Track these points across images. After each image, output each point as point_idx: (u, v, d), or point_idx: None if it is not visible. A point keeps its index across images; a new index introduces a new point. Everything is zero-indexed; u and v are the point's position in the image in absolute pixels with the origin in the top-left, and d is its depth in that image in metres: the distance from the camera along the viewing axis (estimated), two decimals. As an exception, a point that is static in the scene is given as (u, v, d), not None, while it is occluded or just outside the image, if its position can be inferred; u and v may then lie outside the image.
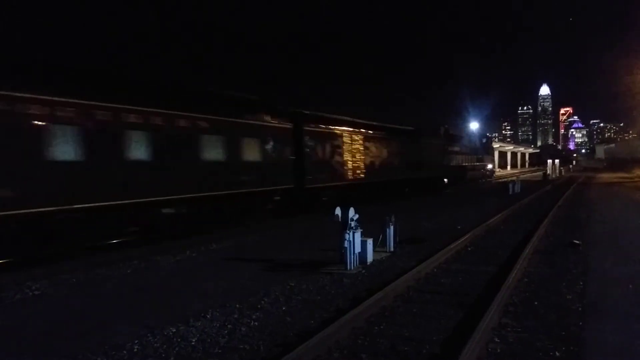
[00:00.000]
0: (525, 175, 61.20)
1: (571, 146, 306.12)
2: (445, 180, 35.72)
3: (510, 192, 28.91)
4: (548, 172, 56.15)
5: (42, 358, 5.55)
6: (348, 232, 9.41)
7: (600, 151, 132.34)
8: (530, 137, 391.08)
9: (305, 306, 7.23)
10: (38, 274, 9.68)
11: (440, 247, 11.12)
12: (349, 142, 22.53)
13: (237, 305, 7.28)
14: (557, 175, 60.59)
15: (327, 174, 20.79)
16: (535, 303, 7.10)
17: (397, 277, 8.40)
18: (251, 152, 16.47)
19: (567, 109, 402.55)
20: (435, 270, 9.35)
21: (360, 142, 23.57)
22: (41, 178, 10.34)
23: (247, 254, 11.43)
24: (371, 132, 24.97)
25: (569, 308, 6.86)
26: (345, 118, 23.60)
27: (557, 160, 67.91)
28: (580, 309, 6.82)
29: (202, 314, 6.88)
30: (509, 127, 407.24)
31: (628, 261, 9.71)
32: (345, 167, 22.16)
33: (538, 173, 66.21)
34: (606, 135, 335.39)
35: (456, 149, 39.72)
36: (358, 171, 23.15)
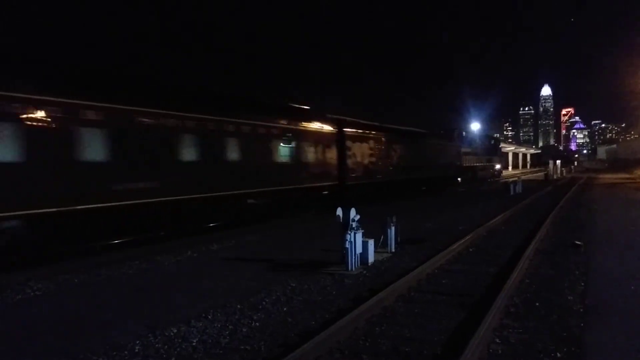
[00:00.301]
0: (526, 176, 61.14)
1: (573, 147, 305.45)
2: (459, 179, 38.28)
3: (512, 193, 28.90)
4: (550, 172, 56.06)
5: (43, 358, 5.55)
6: (349, 232, 9.41)
7: (601, 152, 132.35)
8: (532, 138, 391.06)
9: (306, 307, 7.23)
10: (39, 274, 9.69)
11: (442, 247, 11.12)
12: (377, 145, 25.18)
13: (238, 306, 7.28)
14: (559, 175, 60.53)
15: (362, 173, 23.57)
16: (537, 304, 7.09)
17: (398, 277, 8.40)
18: (309, 154, 19.53)
19: (569, 109, 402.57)
20: (436, 270, 9.34)
21: (387, 145, 26.21)
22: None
23: (247, 254, 11.43)
24: (395, 136, 27.85)
25: (570, 309, 6.86)
26: (374, 124, 26.62)
27: (558, 161, 67.92)
28: (581, 309, 6.82)
29: (203, 314, 6.88)
30: (510, 128, 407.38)
31: (630, 262, 9.70)
32: (375, 167, 24.79)
33: (540, 174, 66.11)
34: (608, 136, 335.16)
35: (468, 150, 42.61)
36: (385, 170, 25.82)
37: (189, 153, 13.91)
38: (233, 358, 5.40)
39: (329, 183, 20.67)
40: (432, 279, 8.78)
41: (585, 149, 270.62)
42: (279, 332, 6.15)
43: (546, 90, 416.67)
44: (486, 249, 11.59)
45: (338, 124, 21.97)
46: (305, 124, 19.56)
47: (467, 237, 12.32)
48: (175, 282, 8.99)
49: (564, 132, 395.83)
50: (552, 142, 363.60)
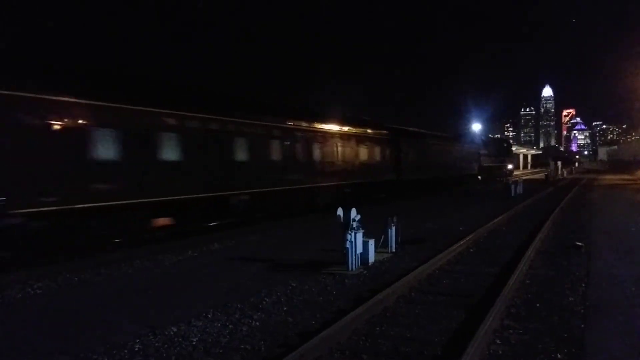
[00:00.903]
0: (527, 177, 61.17)
1: (574, 148, 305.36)
2: (479, 177, 45.17)
3: (513, 194, 28.83)
4: (550, 173, 56.04)
5: (44, 357, 5.55)
6: (350, 232, 9.40)
7: (602, 153, 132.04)
8: (533, 139, 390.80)
9: (306, 306, 7.22)
10: (40, 273, 9.70)
11: (442, 248, 11.11)
12: (420, 147, 31.90)
13: (239, 305, 7.28)
14: (560, 176, 60.50)
15: (412, 171, 30.02)
16: (538, 305, 7.09)
17: (398, 278, 8.39)
18: (376, 155, 25.90)
19: (570, 110, 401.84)
20: (437, 271, 9.34)
21: (429, 148, 33.54)
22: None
23: (248, 253, 11.43)
24: (435, 140, 35.42)
25: (571, 310, 6.84)
26: (420, 131, 34.72)
27: (559, 162, 67.97)
28: (582, 311, 6.80)
29: (204, 314, 6.88)
30: (511, 129, 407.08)
31: (631, 263, 9.69)
32: (420, 166, 31.30)
33: (540, 175, 66.12)
34: (609, 137, 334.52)
35: (486, 152, 50.23)
36: (426, 169, 32.30)
37: (319, 157, 20.58)
38: (233, 357, 5.40)
39: (390, 178, 27.26)
40: (433, 280, 8.77)
41: (586, 150, 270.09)
42: (279, 332, 6.15)
43: (547, 91, 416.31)
44: (487, 249, 11.59)
45: (395, 132, 28.83)
46: (373, 132, 26.28)
47: (468, 238, 12.31)
48: (176, 282, 8.99)
49: (565, 133, 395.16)
50: (553, 143, 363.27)
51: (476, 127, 72.90)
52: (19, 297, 8.25)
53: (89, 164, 11.26)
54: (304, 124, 19.98)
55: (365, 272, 9.34)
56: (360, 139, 24.25)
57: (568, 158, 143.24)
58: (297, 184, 18.98)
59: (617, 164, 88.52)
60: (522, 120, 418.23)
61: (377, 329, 6.22)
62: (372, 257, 10.00)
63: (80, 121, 11.21)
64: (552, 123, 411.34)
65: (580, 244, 11.57)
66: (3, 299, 8.10)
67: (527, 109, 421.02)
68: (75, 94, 11.19)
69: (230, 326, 6.41)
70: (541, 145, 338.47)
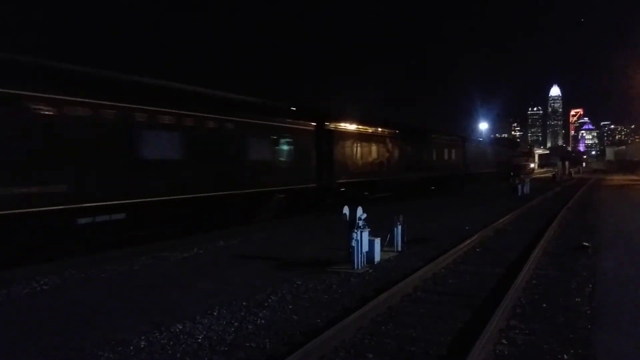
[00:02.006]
0: (534, 176, 61.05)
1: (581, 148, 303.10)
2: (512, 173, 51.93)
3: (519, 194, 28.70)
4: (558, 173, 55.80)
5: (49, 352, 5.58)
6: (356, 231, 9.39)
7: (610, 153, 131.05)
8: (540, 139, 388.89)
9: (312, 305, 7.22)
10: (47, 269, 9.74)
11: (448, 247, 11.07)
12: (467, 149, 40.52)
13: (244, 303, 7.28)
14: (567, 176, 60.21)
15: (475, 167, 42.51)
16: (544, 305, 7.05)
17: (404, 277, 8.37)
18: (444, 156, 34.55)
19: (578, 110, 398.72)
20: (442, 270, 9.31)
21: (474, 149, 42.80)
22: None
23: (253, 251, 11.44)
24: (475, 144, 44.64)
25: (577, 311, 6.80)
26: (480, 138, 52.08)
27: (567, 162, 67.98)
28: (589, 312, 6.76)
29: (209, 311, 6.89)
30: (518, 128, 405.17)
31: (638, 264, 9.62)
32: (464, 165, 39.74)
33: (547, 174, 66.12)
34: (617, 137, 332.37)
35: (514, 154, 63.02)
36: (472, 167, 41.72)
37: (376, 155, 24.87)
38: (238, 355, 5.40)
39: (458, 173, 36.67)
40: (438, 279, 8.74)
41: (594, 150, 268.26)
42: (285, 330, 6.15)
43: (555, 91, 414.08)
44: (493, 249, 11.54)
45: (462, 137, 39.90)
46: (449, 139, 36.57)
47: (474, 237, 12.27)
48: (181, 279, 9.01)
49: (572, 132, 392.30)
50: (560, 142, 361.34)
51: (483, 126, 78.54)
52: (25, 292, 8.30)
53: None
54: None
55: (370, 270, 9.33)
56: (444, 144, 34.91)
57: (575, 158, 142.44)
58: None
59: (625, 165, 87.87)
60: (530, 120, 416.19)
61: (382, 328, 6.20)
62: (377, 256, 9.98)
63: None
64: (559, 123, 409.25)
65: (587, 244, 11.50)
66: (10, 295, 8.15)
67: (535, 109, 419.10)
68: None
69: (236, 324, 6.42)
70: (548, 145, 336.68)
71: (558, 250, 11.24)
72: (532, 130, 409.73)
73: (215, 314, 6.82)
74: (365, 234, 9.58)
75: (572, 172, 66.53)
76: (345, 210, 9.65)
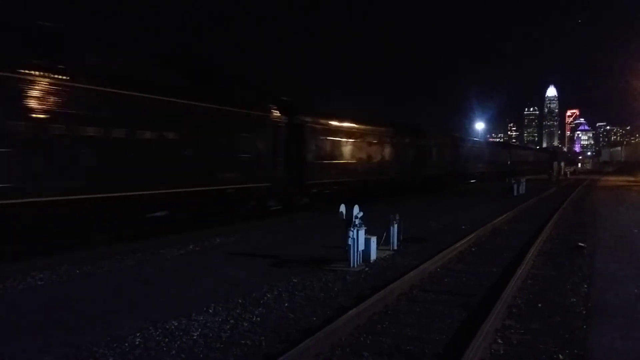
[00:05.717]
0: (530, 176, 61.11)
1: (577, 148, 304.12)
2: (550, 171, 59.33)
3: (515, 194, 28.76)
4: (553, 173, 55.94)
5: (45, 348, 5.54)
6: (352, 229, 9.38)
7: (606, 154, 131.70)
8: (536, 139, 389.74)
9: (308, 303, 7.21)
10: (42, 265, 9.69)
11: (445, 246, 11.07)
12: (483, 150, 46.57)
13: (240, 300, 7.27)
14: (562, 177, 60.39)
15: (519, 165, 56.65)
16: (540, 305, 7.06)
17: (400, 275, 8.37)
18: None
19: (574, 111, 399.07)
20: (438, 269, 9.31)
21: (490, 151, 50.11)
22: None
23: (250, 248, 11.41)
24: (487, 147, 52.46)
25: (573, 310, 6.83)
26: (507, 142, 67.03)
27: (562, 163, 68.24)
28: (584, 311, 6.78)
29: (205, 308, 6.87)
30: (514, 128, 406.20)
31: (634, 264, 9.65)
32: (477, 165, 44.16)
33: (543, 175, 66.09)
34: (612, 138, 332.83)
35: (527, 153, 76.33)
36: (486, 167, 46.83)
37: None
38: (234, 352, 5.39)
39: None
40: (434, 278, 8.75)
41: (590, 151, 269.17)
42: (281, 328, 6.14)
43: (551, 91, 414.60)
44: (489, 249, 11.56)
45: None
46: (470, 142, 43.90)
47: (470, 237, 12.28)
48: (177, 275, 8.98)
49: (568, 133, 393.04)
50: (556, 143, 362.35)
51: (479, 126, 78.33)
52: (20, 287, 8.26)
53: None
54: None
55: (367, 269, 9.33)
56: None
57: (571, 159, 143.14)
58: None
59: (620, 166, 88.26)
60: (526, 120, 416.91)
61: (379, 326, 6.21)
62: (374, 254, 9.98)
63: None
64: (555, 123, 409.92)
65: (583, 244, 11.54)
66: (5, 289, 8.10)
67: (531, 109, 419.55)
68: None
69: (232, 321, 6.40)
70: (544, 145, 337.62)
71: (554, 250, 11.27)
72: (529, 130, 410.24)
73: (210, 311, 6.80)
74: (362, 232, 9.57)
75: (568, 172, 66.57)
76: (342, 208, 9.64)
